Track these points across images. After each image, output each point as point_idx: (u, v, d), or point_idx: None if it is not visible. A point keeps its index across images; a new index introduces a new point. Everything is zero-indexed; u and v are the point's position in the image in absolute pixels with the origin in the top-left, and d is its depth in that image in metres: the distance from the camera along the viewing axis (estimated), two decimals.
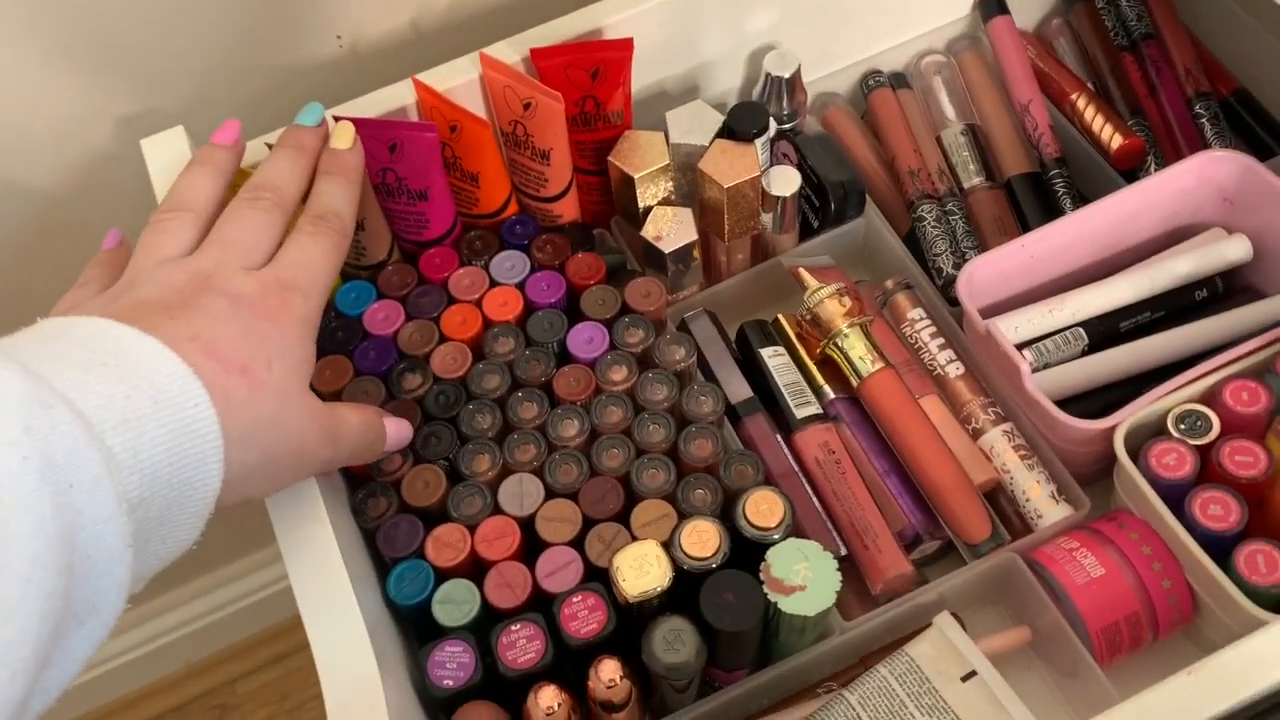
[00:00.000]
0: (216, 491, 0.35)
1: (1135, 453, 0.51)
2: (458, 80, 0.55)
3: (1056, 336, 0.57)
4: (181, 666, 1.04)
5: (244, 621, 1.02)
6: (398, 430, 0.48)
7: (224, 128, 0.46)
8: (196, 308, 0.38)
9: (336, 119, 0.53)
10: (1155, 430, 0.52)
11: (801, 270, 0.58)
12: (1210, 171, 0.58)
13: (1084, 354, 0.57)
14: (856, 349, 0.55)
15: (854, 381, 0.55)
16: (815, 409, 0.55)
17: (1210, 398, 0.52)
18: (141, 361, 0.34)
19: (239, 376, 0.37)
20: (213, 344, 0.37)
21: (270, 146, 0.53)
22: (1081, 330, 0.57)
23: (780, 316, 0.59)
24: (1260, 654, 0.39)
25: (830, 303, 0.56)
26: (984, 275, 0.56)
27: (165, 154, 0.52)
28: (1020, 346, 0.56)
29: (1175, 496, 0.49)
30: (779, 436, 0.55)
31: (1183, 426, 0.51)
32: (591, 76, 0.55)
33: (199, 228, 0.42)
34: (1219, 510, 0.48)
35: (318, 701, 1.04)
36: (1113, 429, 0.51)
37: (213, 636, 1.02)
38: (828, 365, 0.57)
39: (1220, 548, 0.48)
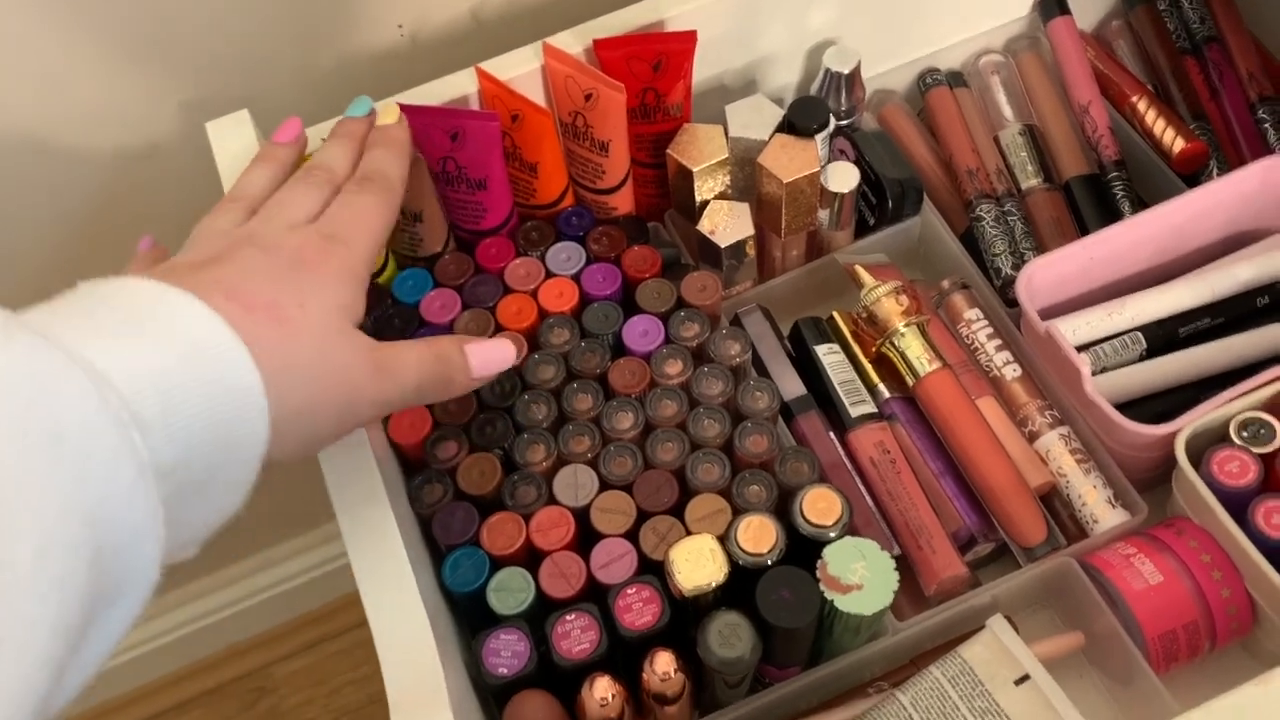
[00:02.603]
0: (263, 445, 0.33)
1: (1195, 459, 0.50)
2: (519, 70, 0.55)
3: (1115, 340, 0.56)
4: (220, 649, 1.05)
5: (282, 606, 1.02)
6: (489, 353, 0.44)
7: (285, 125, 0.47)
8: (226, 260, 0.37)
9: (401, 106, 0.54)
10: (1216, 437, 0.51)
11: (858, 268, 0.58)
12: (1274, 177, 0.57)
13: (1142, 359, 0.56)
14: (913, 348, 0.55)
15: (910, 381, 0.55)
16: (870, 408, 0.55)
17: (1274, 405, 0.51)
18: (169, 317, 0.32)
19: (264, 314, 0.35)
20: (236, 288, 0.35)
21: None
22: (1140, 335, 0.56)
23: (835, 314, 0.59)
24: None
25: (887, 301, 0.55)
26: (1043, 277, 0.56)
27: (230, 137, 0.53)
28: (1078, 349, 0.55)
29: (1237, 505, 0.49)
30: (831, 434, 0.55)
31: (1245, 434, 0.50)
32: (653, 69, 0.55)
33: (252, 213, 0.42)
34: None
35: (355, 686, 1.04)
36: (1173, 435, 0.50)
37: (251, 620, 1.03)
38: (883, 364, 0.57)
39: None
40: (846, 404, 0.55)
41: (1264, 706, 0.38)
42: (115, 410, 0.28)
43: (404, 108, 0.53)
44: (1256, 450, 0.50)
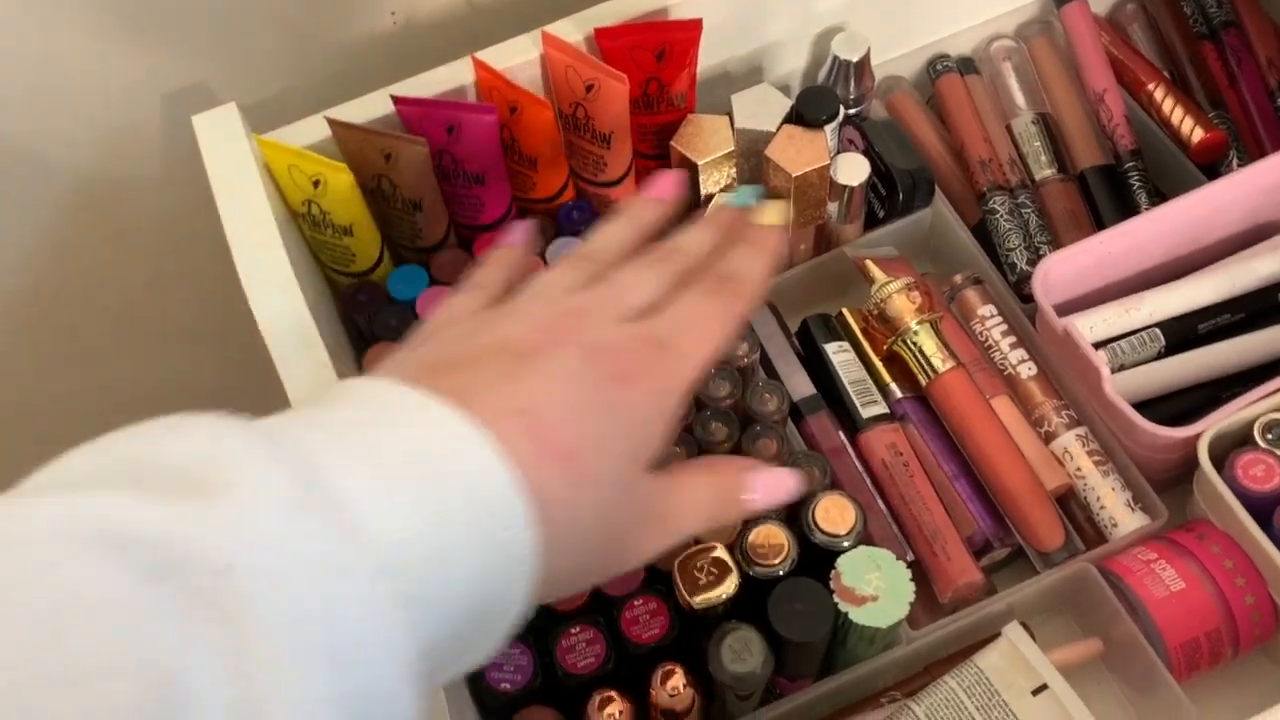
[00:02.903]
0: (517, 620, 0.30)
1: (1218, 461, 0.49)
2: (517, 59, 0.53)
3: (1132, 337, 0.54)
4: None
5: None
6: (773, 490, 0.37)
7: (662, 180, 0.40)
8: (541, 364, 0.31)
9: (395, 99, 0.52)
10: (1239, 440, 0.50)
11: (869, 263, 0.56)
12: None
13: (1160, 356, 0.55)
14: (926, 347, 0.53)
15: (923, 380, 0.53)
16: (882, 409, 0.53)
17: None
18: (464, 467, 0.28)
19: (559, 466, 0.30)
20: (540, 419, 0.30)
21: (330, 121, 0.51)
22: (1159, 331, 0.55)
23: (845, 310, 0.57)
24: None
25: (899, 298, 0.54)
26: (1059, 272, 0.54)
27: (217, 131, 0.51)
28: (1095, 346, 0.54)
29: (1262, 509, 0.47)
30: (842, 435, 0.54)
31: (1270, 436, 0.49)
32: (657, 58, 0.53)
33: (597, 276, 0.36)
34: None
35: None
36: (1195, 437, 0.49)
37: None
38: (894, 362, 0.55)
39: None
40: (858, 404, 0.53)
41: None
42: (393, 601, 0.25)
43: (398, 99, 0.52)
44: None
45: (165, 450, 0.25)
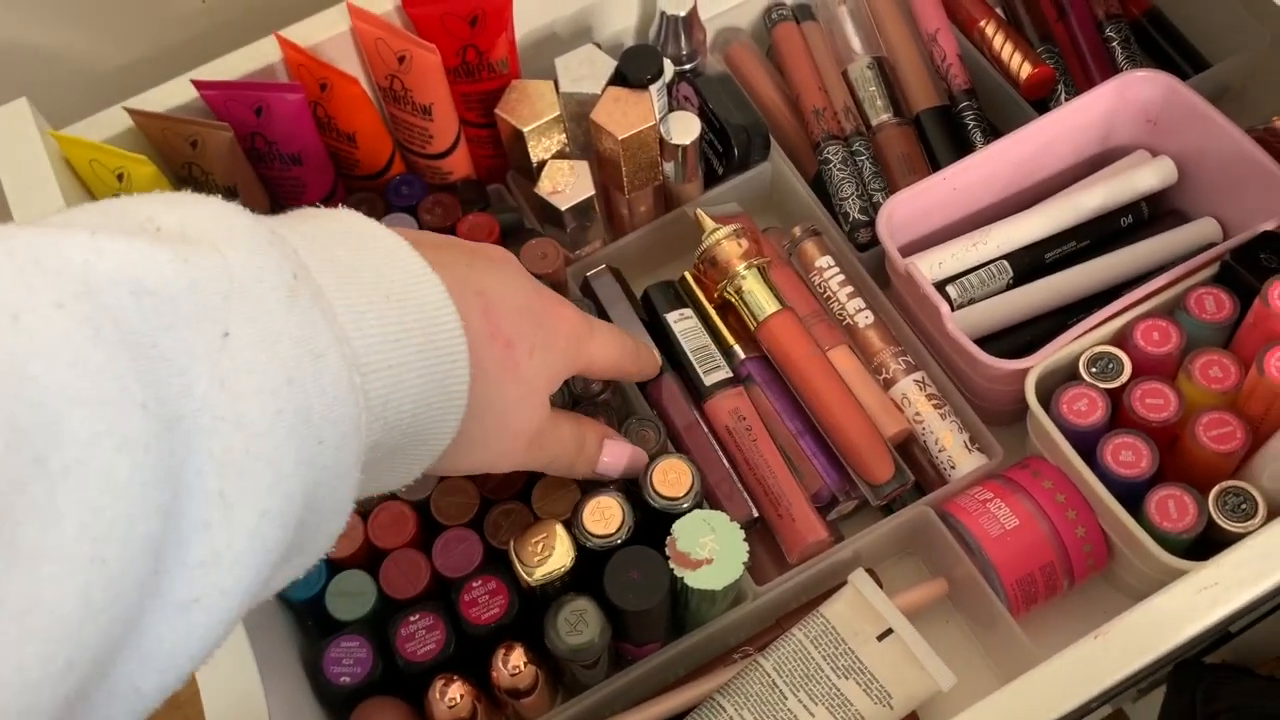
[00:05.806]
0: (443, 449, 0.34)
1: (1051, 396, 0.50)
2: (327, 34, 0.52)
3: (981, 271, 0.55)
4: None
5: None
6: (619, 457, 0.45)
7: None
8: (497, 267, 0.37)
9: (196, 83, 0.50)
10: (1068, 374, 0.51)
11: (699, 211, 0.55)
12: (1133, 93, 0.56)
13: (1009, 288, 0.55)
14: (754, 291, 0.53)
15: (751, 325, 0.53)
16: (725, 374, 0.53)
17: (1122, 339, 0.50)
18: (424, 304, 0.32)
19: (498, 347, 0.35)
20: (492, 306, 0.35)
21: (130, 112, 0.49)
22: (1006, 263, 0.55)
23: (686, 274, 0.56)
24: (1165, 614, 0.38)
25: (727, 244, 0.53)
26: (905, 212, 0.54)
27: (9, 128, 0.48)
28: (945, 282, 0.54)
29: (1087, 443, 0.48)
30: (689, 400, 0.53)
31: (1094, 370, 0.50)
32: (470, 24, 0.52)
33: None
34: (1130, 456, 0.47)
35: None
36: (1026, 371, 0.50)
37: None
38: (729, 313, 0.55)
39: (1132, 494, 0.47)
40: (700, 372, 0.53)
41: (1105, 657, 0.37)
42: (355, 393, 0.28)
43: (199, 83, 0.50)
44: (1105, 386, 0.49)
45: (174, 214, 0.27)
